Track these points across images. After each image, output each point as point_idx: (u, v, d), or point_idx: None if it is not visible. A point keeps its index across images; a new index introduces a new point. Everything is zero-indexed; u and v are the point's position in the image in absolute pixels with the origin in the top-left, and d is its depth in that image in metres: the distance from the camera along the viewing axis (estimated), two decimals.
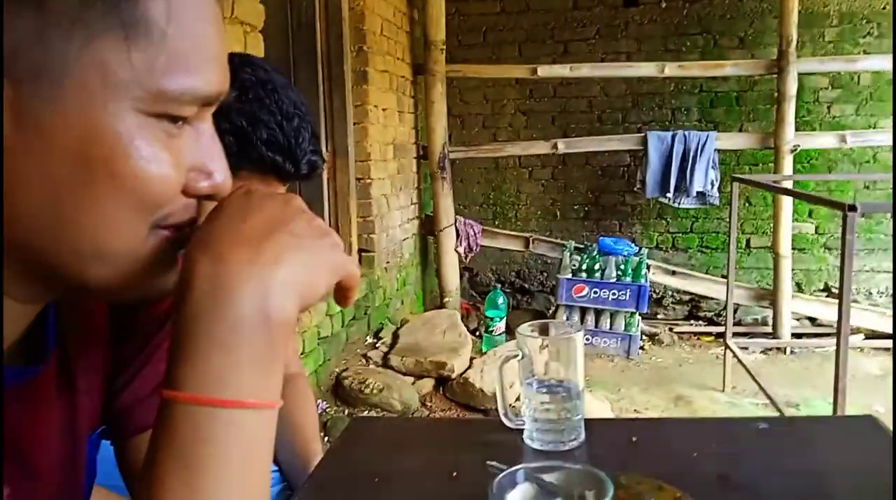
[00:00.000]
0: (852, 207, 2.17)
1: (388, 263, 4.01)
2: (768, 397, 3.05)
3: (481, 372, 3.12)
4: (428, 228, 4.77)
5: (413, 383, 3.15)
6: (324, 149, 3.65)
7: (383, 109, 4.00)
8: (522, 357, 1.01)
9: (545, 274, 5.14)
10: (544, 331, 1.02)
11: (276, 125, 0.96)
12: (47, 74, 0.41)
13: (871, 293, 4.78)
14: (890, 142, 4.42)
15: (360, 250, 3.76)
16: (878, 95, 4.67)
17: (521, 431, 1.01)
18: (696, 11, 4.77)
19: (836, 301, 4.50)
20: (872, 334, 4.39)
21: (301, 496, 0.91)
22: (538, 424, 1.00)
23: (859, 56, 4.48)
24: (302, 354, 2.88)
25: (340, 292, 0.51)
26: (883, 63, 4.24)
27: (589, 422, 1.04)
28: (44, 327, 0.52)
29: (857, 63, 4.34)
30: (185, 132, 0.47)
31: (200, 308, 0.43)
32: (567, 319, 4.48)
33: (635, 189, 4.66)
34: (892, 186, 4.36)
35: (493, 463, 0.88)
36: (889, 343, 4.32)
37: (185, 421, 0.42)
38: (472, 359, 3.37)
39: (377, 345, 3.52)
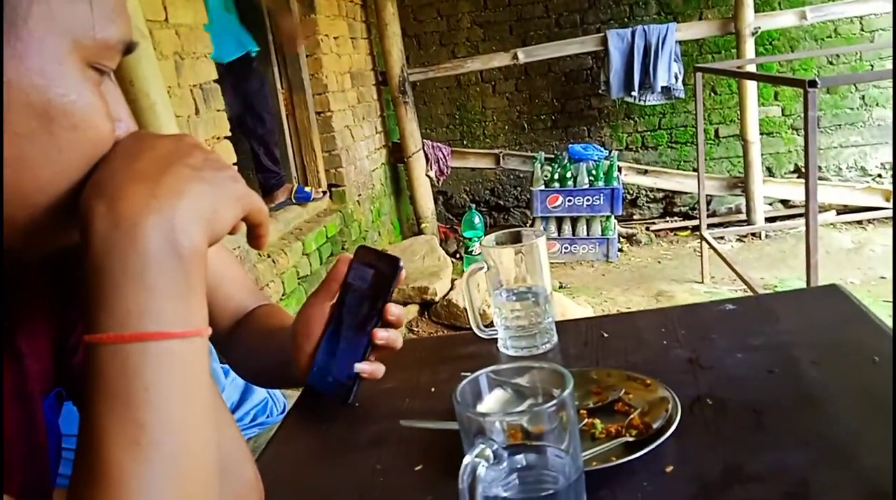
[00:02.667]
0: (812, 83, 2.16)
1: (360, 195, 3.98)
2: (745, 281, 3.12)
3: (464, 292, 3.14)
4: (396, 155, 4.72)
5: None
6: (279, 86, 3.56)
7: (335, 38, 3.88)
8: (489, 268, 1.01)
9: (519, 188, 5.13)
10: (507, 240, 1.02)
11: None
12: (6, 27, 0.41)
13: (840, 169, 4.82)
14: (851, 13, 4.37)
15: (330, 186, 3.72)
16: None
17: (496, 340, 1.03)
18: None
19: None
20: (844, 210, 4.46)
21: (284, 424, 0.93)
22: (510, 331, 1.01)
23: None
24: (283, 295, 2.88)
25: (252, 232, 0.52)
26: None
27: (560, 324, 1.05)
28: None
29: None
30: (104, 81, 0.48)
31: (105, 249, 0.43)
32: (544, 229, 4.51)
33: (600, 91, 4.61)
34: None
35: (466, 373, 0.89)
36: (860, 216, 4.40)
37: (114, 362, 0.42)
38: (453, 281, 3.39)
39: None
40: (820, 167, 4.78)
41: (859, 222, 4.45)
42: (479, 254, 4.38)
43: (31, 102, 0.42)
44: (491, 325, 1.05)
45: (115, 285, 0.42)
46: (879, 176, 4.77)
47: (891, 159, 4.75)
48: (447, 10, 4.89)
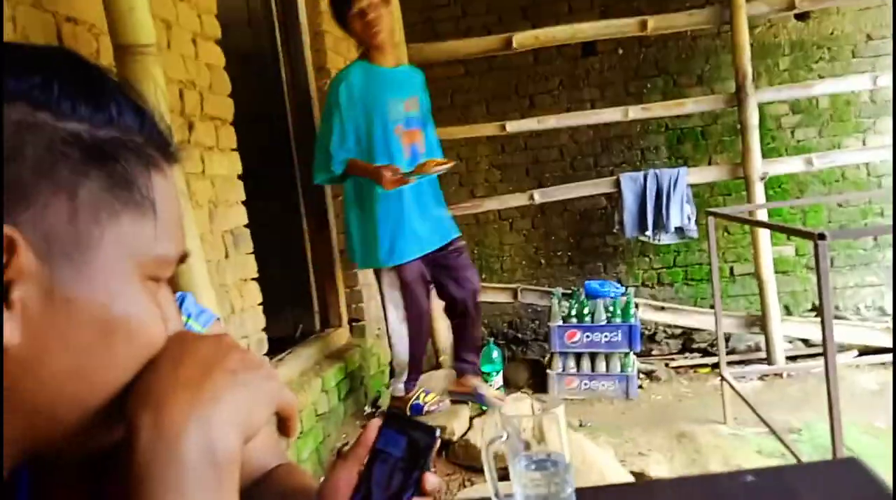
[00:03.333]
0: (822, 236, 2.23)
1: (379, 329, 4.03)
2: (768, 426, 3.06)
3: (482, 432, 3.11)
4: None
5: None
6: (304, 224, 3.72)
7: None
8: (508, 437, 1.04)
9: (537, 322, 5.16)
10: (523, 406, 1.06)
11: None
12: (79, 254, 0.46)
13: (858, 309, 4.83)
14: (856, 160, 4.54)
15: (351, 321, 3.78)
16: (837, 116, 4.81)
17: None
18: (652, 55, 4.93)
19: None
20: (866, 350, 4.42)
21: None
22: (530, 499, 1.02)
23: (815, 81, 4.63)
24: (301, 433, 2.87)
25: (282, 422, 0.54)
26: (838, 86, 4.38)
27: (580, 491, 1.06)
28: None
29: (813, 88, 4.47)
30: (160, 289, 0.53)
31: (148, 459, 0.45)
32: (563, 366, 4.49)
33: (614, 230, 4.73)
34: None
35: None
36: (883, 358, 4.36)
37: None
38: (471, 418, 3.36)
39: (376, 414, 3.51)
40: (837, 307, 4.80)
41: (882, 364, 4.39)
42: (499, 388, 4.35)
43: (94, 319, 0.47)
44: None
45: (152, 494, 0.45)
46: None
47: None
48: (466, 153, 5.13)
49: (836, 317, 4.74)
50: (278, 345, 3.22)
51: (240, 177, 2.64)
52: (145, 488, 0.45)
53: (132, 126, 0.50)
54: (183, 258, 0.55)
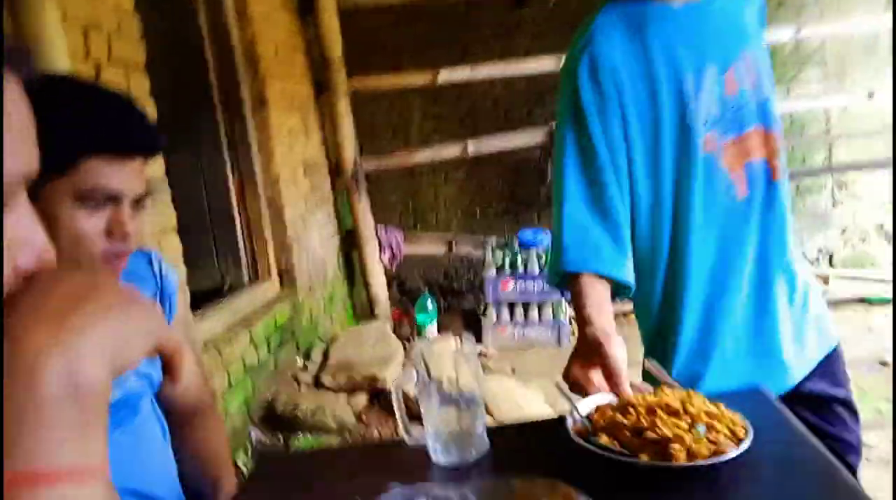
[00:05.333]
0: None
1: (311, 283, 3.98)
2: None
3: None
4: (350, 242, 4.76)
5: (347, 401, 3.13)
6: (230, 176, 3.61)
7: (288, 131, 3.96)
8: (418, 376, 1.03)
9: (472, 273, 5.18)
10: (439, 346, 1.05)
11: (100, 101, 0.98)
12: None
13: None
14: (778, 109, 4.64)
15: (281, 273, 3.72)
16: None
17: (426, 448, 1.03)
18: (585, 5, 4.89)
19: None
20: None
21: None
22: (441, 438, 1.02)
23: None
24: (229, 386, 2.82)
25: (166, 365, 0.53)
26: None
27: (493, 429, 1.07)
28: None
29: None
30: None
31: (8, 392, 0.43)
32: (497, 315, 4.55)
33: (548, 181, 4.76)
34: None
35: (396, 485, 0.89)
36: None
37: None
38: (404, 367, 3.37)
39: (308, 366, 3.48)
40: None
41: None
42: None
43: None
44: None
45: (12, 432, 0.43)
46: (817, 261, 4.97)
47: (826, 245, 4.97)
48: (399, 103, 5.04)
49: None
50: (206, 299, 3.15)
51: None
52: (7, 424, 0.43)
53: None
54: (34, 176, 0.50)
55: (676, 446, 0.86)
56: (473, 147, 4.57)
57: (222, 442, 1.31)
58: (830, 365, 1.35)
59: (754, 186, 1.25)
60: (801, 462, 0.88)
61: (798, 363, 1.30)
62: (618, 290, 1.23)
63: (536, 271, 4.48)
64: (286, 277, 3.73)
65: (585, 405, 1.02)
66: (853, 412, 1.36)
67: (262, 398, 3.10)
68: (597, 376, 1.06)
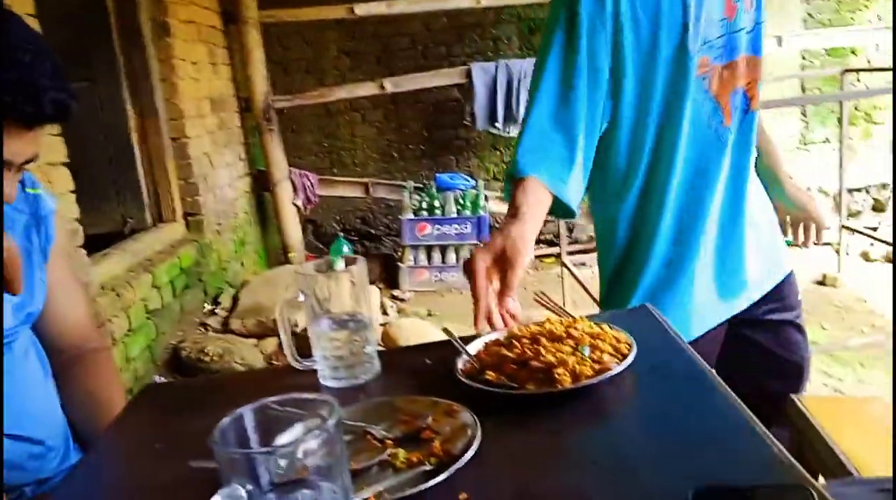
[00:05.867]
0: None
1: (220, 224, 3.83)
2: (598, 305, 3.23)
3: None
4: (262, 183, 4.60)
5: (256, 345, 3.06)
6: (129, 110, 3.39)
7: (193, 63, 3.75)
8: (305, 297, 0.98)
9: (390, 217, 5.12)
10: (325, 268, 1.00)
11: (10, 62, 0.85)
12: None
13: None
14: None
15: (186, 215, 3.56)
16: None
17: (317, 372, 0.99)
18: None
19: None
20: None
21: (78, 472, 0.85)
22: (330, 362, 0.97)
23: None
24: (129, 330, 2.70)
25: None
26: None
27: (384, 353, 1.03)
28: None
29: None
30: None
31: None
32: (414, 259, 4.52)
33: (466, 122, 4.71)
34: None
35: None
36: None
37: None
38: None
39: (216, 311, 3.37)
40: None
41: None
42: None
43: None
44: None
45: None
46: None
47: None
48: (313, 38, 4.85)
49: None
50: (106, 241, 2.99)
51: None
52: None
53: None
54: None
55: (560, 370, 0.85)
56: (390, 85, 4.46)
57: (115, 387, 1.25)
58: (784, 290, 1.39)
59: (735, 115, 1.24)
60: (680, 371, 0.89)
61: (757, 285, 1.33)
62: (556, 211, 1.18)
63: (454, 214, 4.46)
64: (192, 218, 3.57)
65: (474, 346, 0.99)
66: (803, 335, 1.42)
67: (167, 343, 2.99)
68: (494, 281, 1.02)
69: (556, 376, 0.85)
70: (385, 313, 3.78)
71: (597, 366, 0.87)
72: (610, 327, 0.96)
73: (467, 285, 1.02)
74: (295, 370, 1.01)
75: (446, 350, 1.01)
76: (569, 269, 3.74)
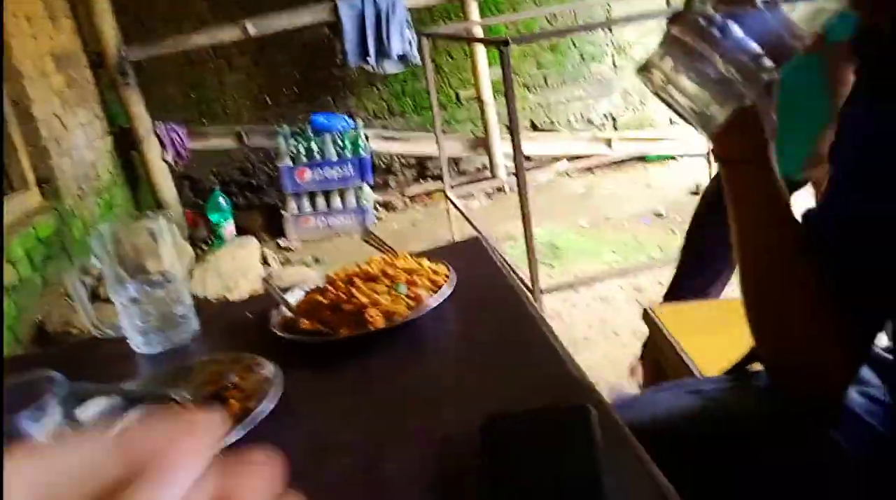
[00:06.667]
0: (505, 42, 2.27)
1: (81, 189, 3.59)
2: (483, 238, 3.25)
3: (203, 281, 2.97)
4: (126, 141, 4.33)
5: None
6: None
7: (27, 18, 3.42)
8: (102, 262, 0.91)
9: (270, 166, 4.94)
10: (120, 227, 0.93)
11: None
12: None
13: (569, 121, 5.21)
14: None
15: (40, 181, 3.31)
16: None
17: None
18: None
19: (539, 135, 4.82)
20: (575, 158, 4.85)
21: None
22: (137, 327, 0.91)
23: None
24: None
25: None
26: None
27: (203, 310, 0.98)
28: None
29: None
30: None
31: None
32: (298, 206, 4.40)
33: (338, 61, 4.56)
34: None
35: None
36: (588, 163, 4.82)
37: None
38: (191, 271, 3.18)
39: (84, 281, 3.18)
40: (551, 121, 5.14)
41: (589, 169, 4.86)
42: (232, 236, 4.17)
43: None
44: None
45: None
46: (602, 125, 5.23)
47: (610, 109, 5.23)
48: None
49: (550, 130, 5.10)
50: None
51: None
52: None
53: None
54: None
55: (372, 311, 0.83)
56: (254, 28, 4.23)
57: None
58: None
59: None
60: (499, 299, 0.88)
61: None
62: None
63: (334, 157, 4.35)
64: (47, 185, 3.32)
65: (294, 295, 0.96)
66: None
67: (31, 320, 2.81)
68: None
69: (369, 317, 0.83)
70: (266, 264, 3.68)
71: (413, 303, 0.86)
72: (430, 261, 0.94)
73: (356, 228, 0.99)
74: (110, 340, 0.95)
75: (270, 302, 0.97)
76: (452, 202, 3.74)
